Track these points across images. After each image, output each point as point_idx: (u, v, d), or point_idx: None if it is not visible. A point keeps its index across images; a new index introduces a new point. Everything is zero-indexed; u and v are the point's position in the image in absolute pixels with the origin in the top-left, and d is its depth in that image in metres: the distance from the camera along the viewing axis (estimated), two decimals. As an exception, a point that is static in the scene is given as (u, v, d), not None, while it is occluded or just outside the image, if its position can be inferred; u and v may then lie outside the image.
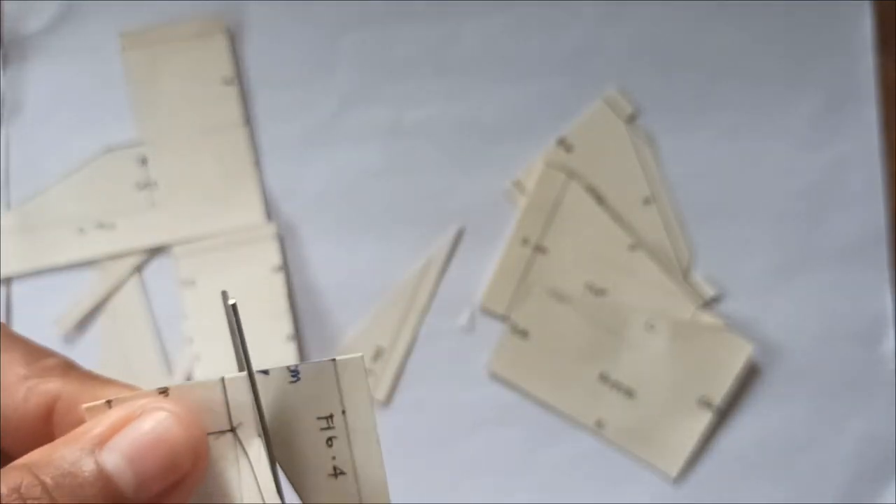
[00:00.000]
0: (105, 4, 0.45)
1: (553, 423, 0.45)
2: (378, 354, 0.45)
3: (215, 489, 0.20)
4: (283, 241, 0.45)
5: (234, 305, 0.20)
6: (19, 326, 0.44)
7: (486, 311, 0.45)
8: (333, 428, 0.21)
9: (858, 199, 0.45)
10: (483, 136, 0.45)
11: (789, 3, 0.45)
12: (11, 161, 0.45)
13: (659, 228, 0.45)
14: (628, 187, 0.45)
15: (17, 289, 0.44)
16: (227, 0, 0.45)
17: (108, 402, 0.18)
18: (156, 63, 0.44)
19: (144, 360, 0.44)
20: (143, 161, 0.44)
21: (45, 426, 0.20)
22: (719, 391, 0.44)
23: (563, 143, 0.45)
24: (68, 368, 0.20)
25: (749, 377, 0.44)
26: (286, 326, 0.44)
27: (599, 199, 0.45)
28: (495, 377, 0.45)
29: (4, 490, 0.16)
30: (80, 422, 0.18)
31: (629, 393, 0.44)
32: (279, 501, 0.21)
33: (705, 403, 0.44)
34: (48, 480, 0.16)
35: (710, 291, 0.44)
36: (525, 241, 0.44)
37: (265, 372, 0.20)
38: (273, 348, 0.44)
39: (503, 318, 0.45)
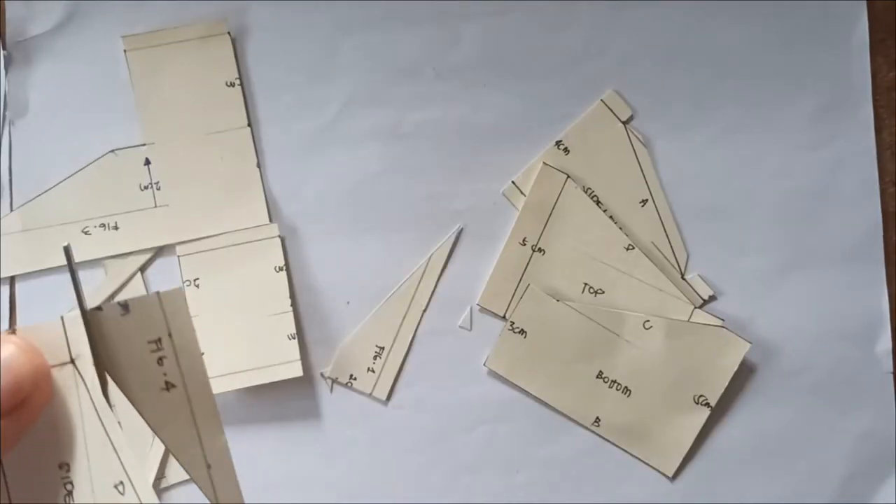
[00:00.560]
0: (109, 6, 0.45)
1: (551, 422, 0.45)
2: (378, 354, 0.45)
3: (61, 412, 0.24)
4: (286, 242, 0.45)
5: (67, 248, 0.25)
6: (24, 325, 0.44)
7: (485, 311, 0.45)
8: (162, 349, 0.24)
9: (854, 200, 0.45)
10: (482, 138, 0.45)
11: (784, 4, 0.45)
12: (15, 162, 0.45)
13: (656, 229, 0.45)
14: (626, 188, 0.45)
15: (21, 289, 0.45)
16: (231, 2, 0.45)
17: None
18: (159, 65, 0.45)
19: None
20: (147, 162, 0.45)
21: None
22: (716, 390, 0.44)
23: (561, 145, 0.45)
24: None
25: (745, 376, 0.45)
26: (288, 326, 0.44)
27: (597, 200, 0.45)
28: (494, 376, 0.45)
29: None
30: None
31: (626, 391, 0.44)
32: (113, 417, 0.25)
33: (702, 402, 0.44)
34: None
35: (706, 291, 0.45)
36: (523, 242, 0.45)
37: (99, 308, 0.24)
38: (275, 347, 0.44)
39: (502, 318, 0.45)
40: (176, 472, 0.45)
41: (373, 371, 0.45)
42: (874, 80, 0.45)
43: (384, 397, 0.45)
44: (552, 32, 0.45)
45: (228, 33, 0.45)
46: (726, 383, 0.44)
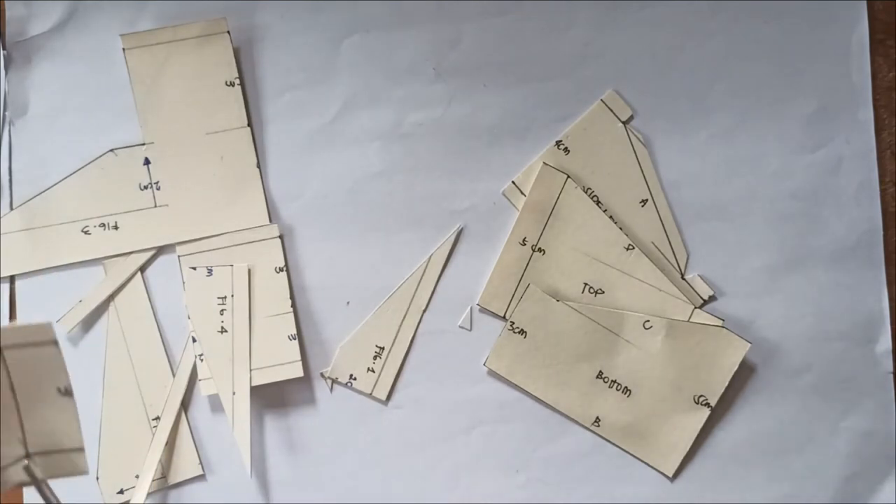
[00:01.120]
0: (109, 6, 0.45)
1: (551, 421, 0.45)
2: (378, 354, 0.45)
3: None
4: (286, 242, 0.45)
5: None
6: (24, 325, 0.44)
7: (485, 311, 0.45)
8: None
9: (853, 200, 0.45)
10: (482, 138, 0.45)
11: (784, 6, 0.45)
12: (16, 161, 0.45)
13: (656, 229, 0.45)
14: (625, 188, 0.45)
15: (22, 288, 0.45)
16: (231, 2, 0.45)
17: None
18: (159, 64, 0.44)
19: (148, 358, 0.44)
20: (147, 162, 0.45)
21: None
22: (716, 390, 0.44)
23: (561, 145, 0.45)
24: None
25: (745, 376, 0.45)
26: (289, 326, 0.44)
27: (597, 200, 0.45)
28: (494, 376, 0.45)
29: None
30: None
31: (626, 391, 0.44)
32: None
33: (702, 402, 0.44)
34: None
35: (706, 291, 0.45)
36: (523, 242, 0.45)
37: None
38: (275, 347, 0.44)
39: (502, 318, 0.45)
40: (176, 472, 0.45)
41: (373, 371, 0.45)
42: (874, 80, 0.45)
43: (384, 397, 0.45)
44: (552, 33, 0.45)
45: (228, 32, 0.45)
46: (726, 383, 0.44)
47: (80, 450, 0.22)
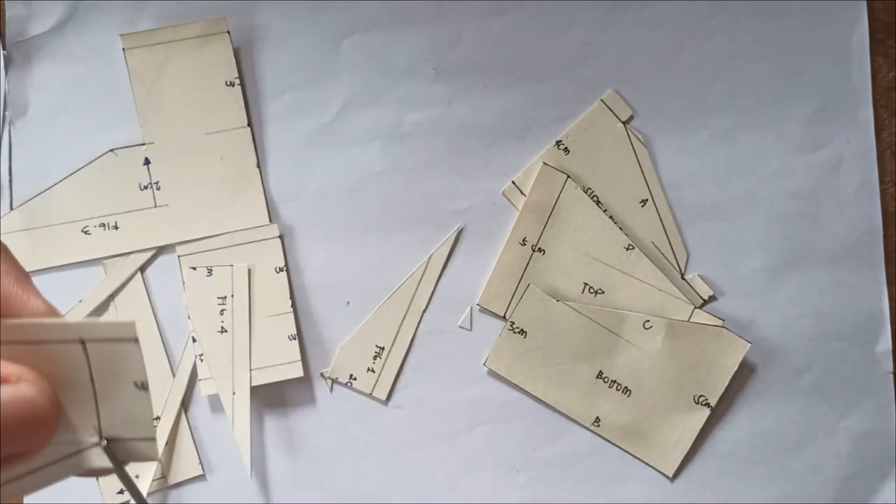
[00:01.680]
0: (109, 6, 0.45)
1: (551, 421, 0.45)
2: (378, 354, 0.45)
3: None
4: (286, 242, 0.45)
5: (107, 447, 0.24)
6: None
7: (485, 311, 0.45)
8: None
9: (853, 200, 0.45)
10: (482, 138, 0.45)
11: (784, 6, 0.45)
12: (16, 161, 0.45)
13: (656, 229, 0.45)
14: (625, 188, 0.45)
15: (22, 288, 0.45)
16: (231, 2, 0.45)
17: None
18: (159, 64, 0.45)
19: (148, 358, 0.44)
20: (147, 162, 0.45)
21: None
22: (716, 390, 0.44)
23: (561, 145, 0.45)
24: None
25: (745, 376, 0.45)
26: (289, 326, 0.44)
27: (597, 200, 0.45)
28: (494, 376, 0.45)
29: None
30: None
31: (626, 391, 0.44)
32: None
33: (702, 402, 0.44)
34: None
35: (706, 291, 0.45)
36: (523, 242, 0.45)
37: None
38: (276, 347, 0.44)
39: (502, 318, 0.45)
40: (176, 472, 0.45)
41: (373, 371, 0.45)
42: (874, 80, 0.45)
43: (384, 397, 0.45)
44: (552, 33, 0.45)
45: (228, 32, 0.45)
46: (726, 383, 0.44)
47: (153, 439, 0.23)
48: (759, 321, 0.45)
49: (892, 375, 0.45)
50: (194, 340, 0.44)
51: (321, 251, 0.45)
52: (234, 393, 0.43)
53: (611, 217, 0.45)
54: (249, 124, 0.45)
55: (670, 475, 0.45)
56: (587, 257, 0.44)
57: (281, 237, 0.45)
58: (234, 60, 0.45)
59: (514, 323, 0.44)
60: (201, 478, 0.45)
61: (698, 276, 0.45)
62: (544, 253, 0.45)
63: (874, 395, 0.45)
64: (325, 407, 0.45)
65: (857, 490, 0.45)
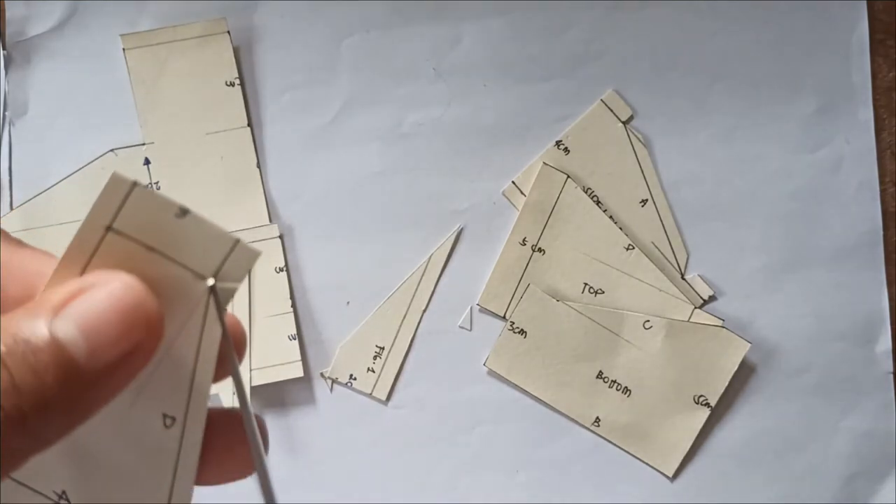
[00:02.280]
0: (109, 6, 0.45)
1: (551, 421, 0.45)
2: (378, 354, 0.45)
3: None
4: (286, 242, 0.45)
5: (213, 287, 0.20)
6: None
7: (485, 311, 0.45)
8: None
9: (853, 200, 0.45)
10: (482, 138, 0.45)
11: (784, 5, 0.45)
12: (15, 161, 0.45)
13: (656, 229, 0.45)
14: (625, 188, 0.45)
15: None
16: (231, 2, 0.45)
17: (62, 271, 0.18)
18: (159, 64, 0.45)
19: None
20: (147, 162, 0.45)
21: None
22: (716, 390, 0.44)
23: (561, 145, 0.45)
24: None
25: (745, 376, 0.45)
26: (289, 326, 0.44)
27: (597, 200, 0.45)
28: (494, 376, 0.45)
29: None
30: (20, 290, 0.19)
31: (626, 391, 0.44)
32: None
33: (702, 402, 0.44)
34: (1, 347, 0.17)
35: (706, 291, 0.45)
36: (523, 242, 0.45)
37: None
38: (276, 347, 0.44)
39: (502, 318, 0.45)
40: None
41: (373, 371, 0.45)
42: (874, 80, 0.45)
43: (384, 397, 0.45)
44: (552, 33, 0.45)
45: (228, 33, 0.45)
46: (726, 383, 0.44)
47: (238, 240, 0.20)
48: (759, 321, 0.45)
49: (892, 375, 0.45)
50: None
51: (321, 251, 0.45)
52: (234, 393, 0.43)
53: (611, 217, 0.45)
54: (249, 124, 0.45)
55: (670, 475, 0.45)
56: (587, 257, 0.44)
57: (281, 237, 0.45)
58: (234, 60, 0.45)
59: (514, 323, 0.44)
60: (201, 478, 0.45)
61: (698, 276, 0.45)
62: (544, 253, 0.45)
63: (874, 395, 0.45)
64: (325, 407, 0.45)
65: (857, 490, 0.45)
